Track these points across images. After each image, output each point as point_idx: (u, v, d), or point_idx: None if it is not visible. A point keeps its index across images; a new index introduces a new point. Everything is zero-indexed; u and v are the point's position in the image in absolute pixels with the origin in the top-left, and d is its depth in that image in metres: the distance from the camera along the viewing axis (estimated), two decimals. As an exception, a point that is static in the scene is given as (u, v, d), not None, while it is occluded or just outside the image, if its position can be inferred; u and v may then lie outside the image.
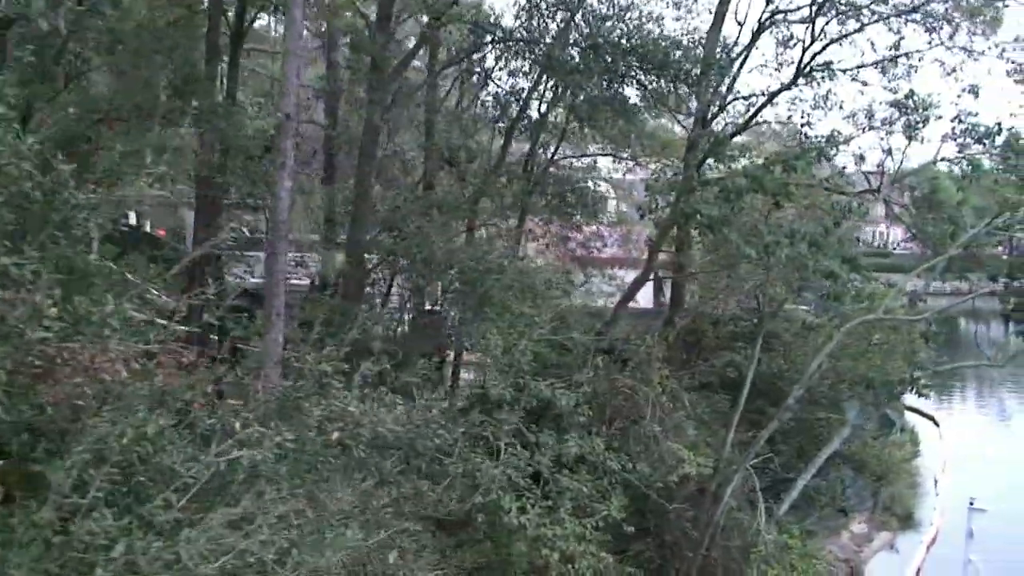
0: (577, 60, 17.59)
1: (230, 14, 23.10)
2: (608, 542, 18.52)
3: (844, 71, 21.54)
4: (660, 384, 19.67)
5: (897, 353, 21.47)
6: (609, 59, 17.50)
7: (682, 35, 20.37)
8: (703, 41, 18.69)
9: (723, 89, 21.42)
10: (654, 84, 18.51)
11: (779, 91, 21.20)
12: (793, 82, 21.52)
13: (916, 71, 22.36)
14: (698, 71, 17.95)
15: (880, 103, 21.66)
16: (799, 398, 20.59)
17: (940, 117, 20.55)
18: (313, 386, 8.89)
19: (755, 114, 22.23)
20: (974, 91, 21.12)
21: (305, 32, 26.59)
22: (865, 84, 23.33)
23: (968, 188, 20.13)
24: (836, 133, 21.66)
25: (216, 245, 21.06)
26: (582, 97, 18.97)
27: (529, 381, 16.17)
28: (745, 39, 22.48)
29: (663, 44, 17.75)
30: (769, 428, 20.63)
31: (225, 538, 6.69)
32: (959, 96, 20.91)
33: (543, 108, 21.27)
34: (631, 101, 18.72)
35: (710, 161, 21.62)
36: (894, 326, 21.60)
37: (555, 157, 25.75)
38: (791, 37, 22.31)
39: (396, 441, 10.15)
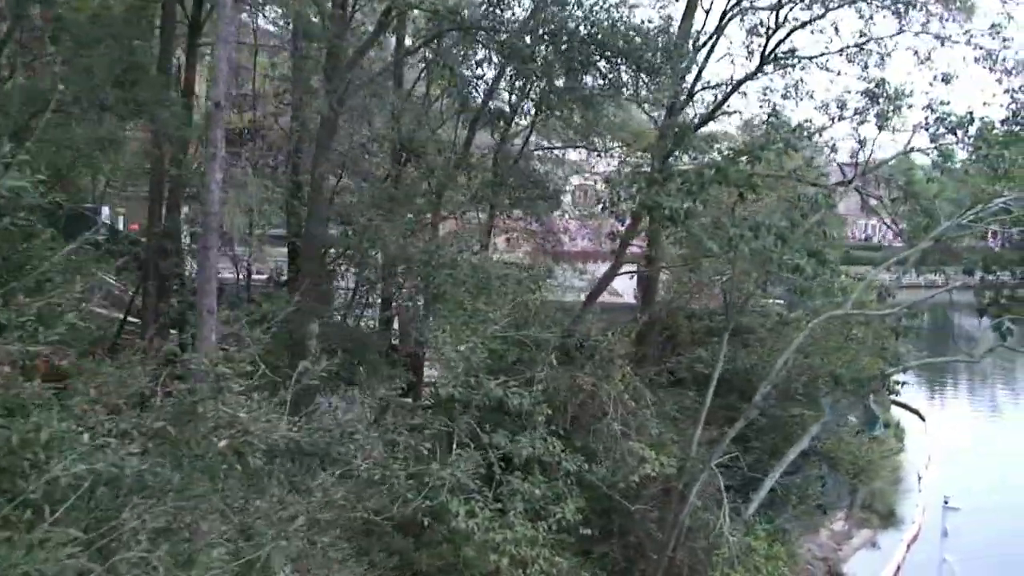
0: (534, 49, 16.98)
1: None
2: (571, 544, 18.10)
3: (809, 58, 21.02)
4: (622, 381, 19.15)
5: (867, 349, 20.93)
6: (565, 47, 16.90)
7: (655, 23, 19.76)
8: (670, 29, 18.10)
9: (690, 78, 20.91)
10: (614, 73, 17.89)
11: (744, 80, 20.65)
12: (758, 70, 20.99)
13: (888, 58, 21.82)
14: (659, 59, 17.33)
15: (851, 92, 21.13)
16: (766, 395, 20.09)
17: (911, 106, 20.06)
18: (210, 390, 8.34)
19: (721, 103, 21.68)
20: (946, 79, 20.59)
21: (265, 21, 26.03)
22: (838, 73, 22.80)
23: (940, 180, 19.61)
24: (808, 123, 21.16)
25: (167, 237, 20.78)
26: (544, 87, 18.37)
27: (483, 380, 15.61)
28: (714, 27, 21.98)
29: (622, 31, 17.14)
30: (736, 426, 20.12)
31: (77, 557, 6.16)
32: (931, 84, 20.42)
33: (512, 99, 20.70)
34: (592, 91, 18.07)
35: (680, 153, 21.12)
36: (864, 321, 21.07)
37: (525, 149, 25.22)
38: (760, 24, 21.73)
39: (311, 448, 9.60)
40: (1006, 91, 19.85)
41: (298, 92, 21.12)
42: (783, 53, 20.71)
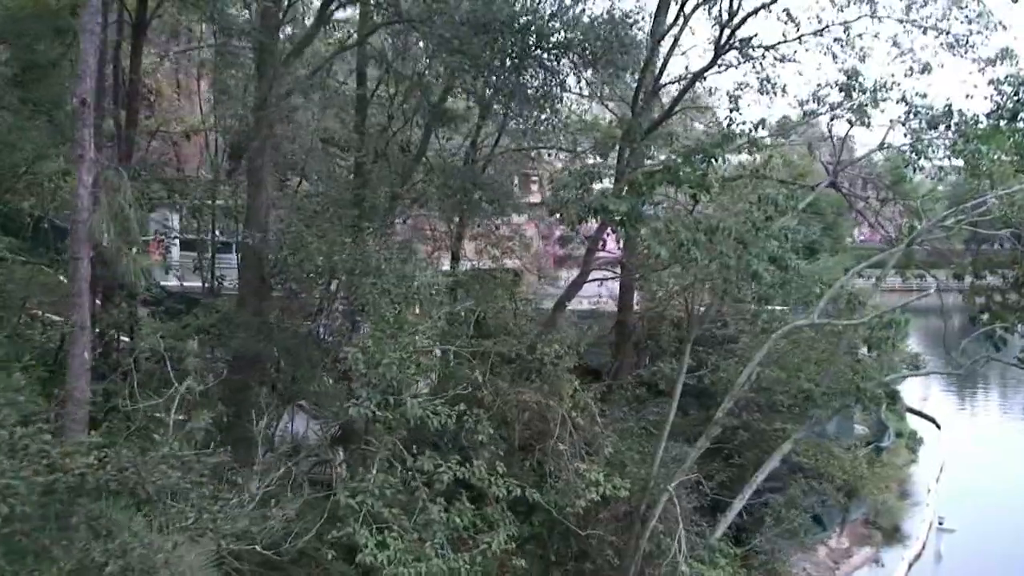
0: (463, 41, 15.74)
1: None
2: (524, 571, 16.90)
3: (766, 47, 19.61)
4: (573, 398, 17.87)
5: (839, 362, 19.47)
6: (498, 40, 15.64)
7: (615, 13, 18.41)
8: (616, 18, 16.75)
9: (654, 72, 19.61)
10: (556, 67, 16.62)
11: (701, 72, 19.23)
12: (714, 61, 19.60)
13: (867, 51, 20.35)
14: (601, 51, 16.03)
15: (824, 86, 19.64)
16: (729, 411, 18.69)
17: (886, 99, 18.56)
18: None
19: (678, 99, 20.26)
20: (926, 69, 19.14)
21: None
22: (817, 67, 21.35)
23: (912, 178, 18.15)
24: (786, 119, 19.78)
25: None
26: (481, 83, 17.11)
27: (407, 398, 14.40)
28: (683, 18, 20.57)
29: (559, 22, 15.88)
30: (699, 445, 18.75)
31: None
32: (906, 75, 18.96)
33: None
34: (534, 86, 16.80)
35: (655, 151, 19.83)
36: (840, 331, 19.62)
37: (495, 151, 24.04)
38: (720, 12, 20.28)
39: (118, 486, 8.43)
40: (990, 83, 18.33)
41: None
42: (739, 42, 19.30)
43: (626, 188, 17.02)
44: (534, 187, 29.51)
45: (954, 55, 19.30)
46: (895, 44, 20.53)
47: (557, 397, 17.54)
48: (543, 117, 18.99)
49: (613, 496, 17.27)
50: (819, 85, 19.14)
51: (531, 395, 17.48)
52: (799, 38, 19.75)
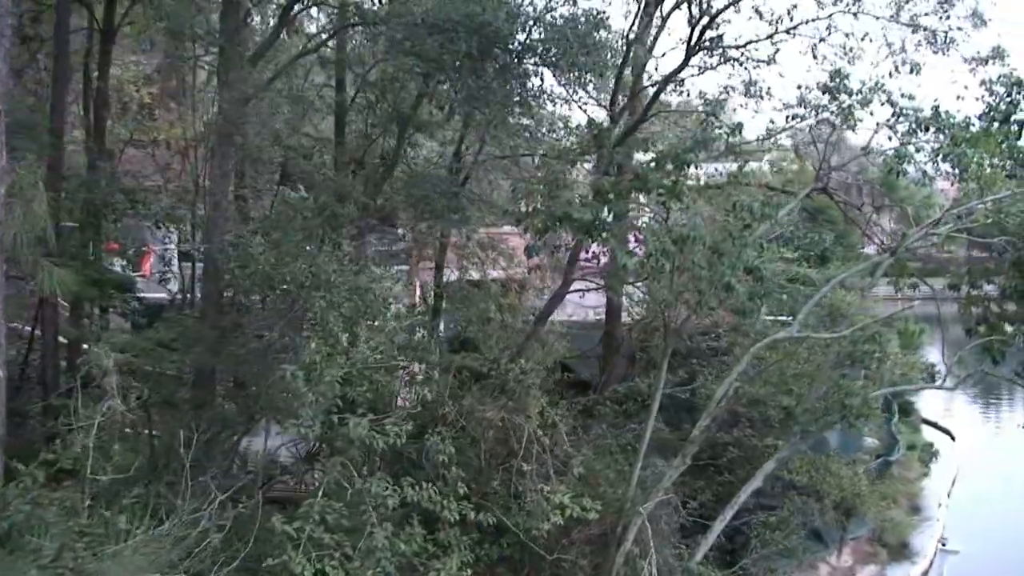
0: (413, 42, 15.07)
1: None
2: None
3: (737, 47, 18.76)
4: (541, 415, 17.09)
5: (824, 377, 18.58)
6: (453, 41, 14.95)
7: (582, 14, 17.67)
8: (578, 17, 15.99)
9: (636, 74, 18.85)
10: (520, 70, 15.92)
11: (673, 74, 18.40)
12: (685, 63, 18.78)
13: (850, 48, 19.46)
14: (560, 52, 15.31)
15: (808, 87, 18.75)
16: (716, 427, 17.85)
17: (871, 101, 17.65)
18: None
19: (651, 103, 19.41)
20: (914, 69, 18.23)
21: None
22: (807, 69, 20.49)
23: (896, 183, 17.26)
24: (772, 124, 18.96)
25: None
26: (443, 86, 16.41)
27: (352, 419, 13.69)
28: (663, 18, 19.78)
29: (519, 22, 15.17)
30: (676, 465, 17.93)
31: None
32: (890, 75, 18.05)
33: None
34: (493, 90, 16.09)
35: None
36: (826, 344, 18.72)
37: (478, 158, 23.31)
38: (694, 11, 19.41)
39: None
40: (982, 83, 17.42)
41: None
42: (709, 41, 18.47)
43: (593, 194, 16.26)
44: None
45: (935, 52, 18.44)
46: (887, 44, 19.68)
47: (524, 415, 16.75)
48: (520, 122, 18.39)
49: (582, 518, 16.50)
50: (799, 87, 18.31)
51: (495, 412, 16.71)
52: (771, 36, 18.90)
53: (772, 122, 20.23)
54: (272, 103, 18.86)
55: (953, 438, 44.28)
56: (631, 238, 17.18)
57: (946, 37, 18.56)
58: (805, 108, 19.14)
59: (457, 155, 22.42)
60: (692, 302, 16.68)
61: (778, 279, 17.40)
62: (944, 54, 18.71)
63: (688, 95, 21.93)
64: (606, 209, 15.99)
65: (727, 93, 20.80)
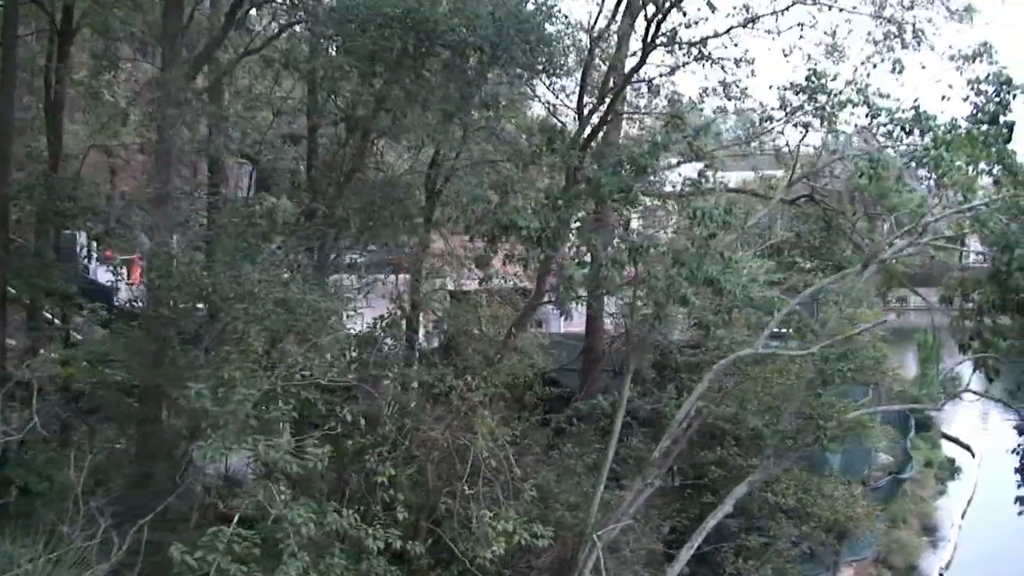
0: (344, 39, 14.20)
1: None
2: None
3: (691, 44, 17.64)
4: (492, 435, 16.07)
5: (795, 396, 17.41)
6: (388, 38, 14.03)
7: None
8: (536, 13, 14.99)
9: (593, 73, 17.82)
10: (463, 68, 14.96)
11: (631, 73, 17.27)
12: (643, 60, 17.68)
13: (835, 47, 18.27)
14: (507, 49, 14.32)
15: (783, 87, 17.58)
16: (666, 451, 16.76)
17: (850, 102, 16.48)
18: None
19: (613, 103, 18.25)
20: (897, 67, 17.02)
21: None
22: (793, 69, 19.31)
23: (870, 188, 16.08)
24: (751, 126, 17.83)
25: None
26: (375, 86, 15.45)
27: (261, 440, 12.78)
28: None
29: (459, 18, 14.21)
30: (637, 489, 16.86)
31: None
32: (868, 75, 16.87)
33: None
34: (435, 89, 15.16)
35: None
36: (802, 361, 17.56)
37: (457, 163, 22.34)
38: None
39: None
40: (969, 82, 16.18)
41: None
42: (663, 34, 17.37)
43: (543, 200, 15.28)
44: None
45: (903, 48, 17.24)
46: (871, 40, 18.48)
47: (471, 434, 15.76)
48: (487, 125, 17.50)
49: (532, 545, 15.49)
50: (770, 86, 17.16)
51: (440, 432, 15.74)
52: (728, 31, 17.74)
53: (753, 125, 19.10)
54: (221, 106, 18.06)
55: (973, 454, 42.65)
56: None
57: (914, 30, 17.34)
58: (784, 111, 17.97)
59: (434, 161, 21.48)
60: (650, 316, 15.61)
61: (748, 291, 16.24)
62: (915, 49, 17.52)
63: (669, 98, 20.79)
64: (558, 217, 14.96)
65: (705, 95, 19.73)
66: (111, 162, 25.35)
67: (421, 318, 23.66)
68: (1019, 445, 17.90)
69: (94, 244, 35.94)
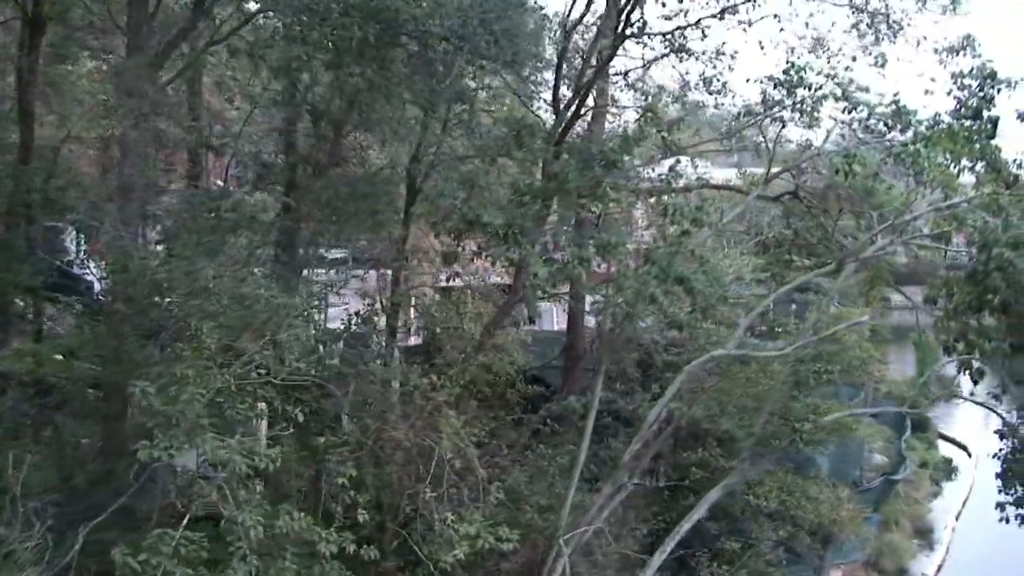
0: (301, 29, 13.80)
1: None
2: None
3: (662, 35, 17.17)
4: (457, 436, 15.67)
5: (772, 398, 16.97)
6: (343, 27, 13.63)
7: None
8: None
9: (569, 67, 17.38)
10: (423, 57, 14.57)
11: (602, 65, 16.76)
12: (613, 53, 17.23)
13: (819, 39, 17.79)
14: (468, 39, 13.91)
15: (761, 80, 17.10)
16: (637, 454, 16.34)
17: (830, 95, 16.01)
18: None
19: (583, 96, 17.80)
20: (879, 61, 16.57)
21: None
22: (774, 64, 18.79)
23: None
24: (734, 121, 17.38)
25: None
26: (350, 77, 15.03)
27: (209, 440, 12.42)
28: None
29: (421, 7, 13.79)
30: (606, 492, 16.46)
31: None
32: (847, 68, 16.34)
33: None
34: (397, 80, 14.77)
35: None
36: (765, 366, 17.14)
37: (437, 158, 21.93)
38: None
39: None
40: (952, 77, 15.70)
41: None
42: (634, 28, 16.89)
43: (511, 195, 14.89)
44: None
45: (879, 40, 16.77)
46: (858, 35, 17.99)
47: (435, 435, 15.38)
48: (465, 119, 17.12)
49: (496, 549, 15.10)
50: (748, 80, 16.67)
51: (403, 433, 15.35)
52: (698, 22, 17.24)
53: (735, 120, 18.67)
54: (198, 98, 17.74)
55: (970, 454, 42.10)
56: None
57: (888, 20, 16.85)
58: (764, 105, 17.50)
59: (416, 156, 21.07)
60: (619, 315, 15.21)
61: (724, 290, 15.83)
62: (891, 41, 17.06)
63: (648, 92, 20.32)
64: (522, 213, 14.56)
65: (688, 90, 19.28)
66: (91, 154, 24.94)
67: (402, 315, 23.32)
68: (1000, 450, 17.43)
69: (82, 237, 35.70)
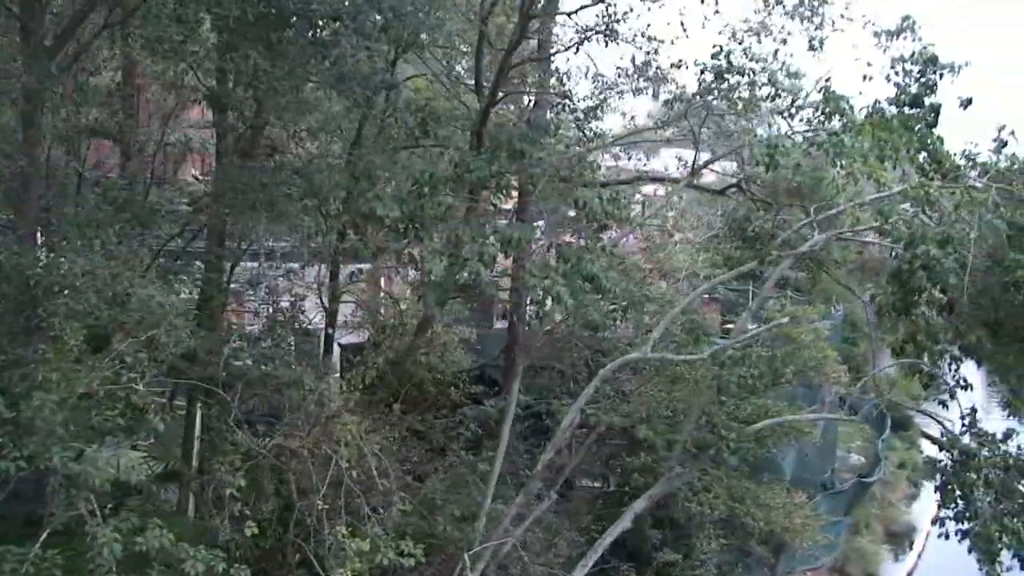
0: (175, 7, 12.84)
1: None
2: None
3: (568, 14, 16.03)
4: (359, 442, 14.71)
5: (695, 406, 15.98)
6: (218, 4, 12.67)
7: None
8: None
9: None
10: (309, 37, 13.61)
11: (510, 51, 15.67)
12: (520, 36, 15.95)
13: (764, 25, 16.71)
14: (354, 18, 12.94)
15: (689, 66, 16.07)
16: (549, 463, 15.38)
17: (751, 81, 15.01)
18: None
19: (497, 83, 16.48)
20: (814, 46, 15.55)
21: None
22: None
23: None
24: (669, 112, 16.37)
25: None
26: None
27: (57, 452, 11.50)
28: None
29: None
30: (518, 503, 15.51)
31: None
32: (775, 53, 15.30)
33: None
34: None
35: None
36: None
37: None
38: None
39: None
40: (893, 63, 14.67)
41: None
42: (537, 7, 15.82)
43: (411, 187, 13.91)
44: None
45: (800, 20, 15.73)
46: (800, 18, 16.90)
47: (333, 443, 14.43)
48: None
49: (396, 564, 14.16)
50: (672, 65, 15.61)
51: (297, 442, 14.40)
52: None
53: (671, 110, 17.66)
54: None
55: (952, 453, 40.96)
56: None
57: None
58: (697, 93, 16.48)
59: (354, 144, 20.08)
60: (531, 315, 14.25)
61: (643, 290, 14.85)
62: (809, 21, 16.00)
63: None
64: (421, 206, 13.59)
65: (625, 76, 18.23)
66: None
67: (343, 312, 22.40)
68: (940, 462, 16.46)
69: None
